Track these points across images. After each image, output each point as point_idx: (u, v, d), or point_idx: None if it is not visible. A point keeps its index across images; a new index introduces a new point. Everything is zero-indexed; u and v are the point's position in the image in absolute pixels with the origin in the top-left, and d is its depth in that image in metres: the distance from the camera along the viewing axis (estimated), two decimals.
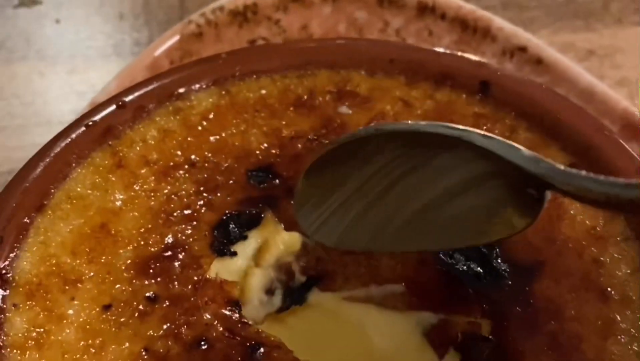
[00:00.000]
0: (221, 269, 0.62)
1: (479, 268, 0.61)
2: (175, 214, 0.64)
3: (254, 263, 0.62)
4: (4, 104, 0.99)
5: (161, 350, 0.57)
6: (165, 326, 0.58)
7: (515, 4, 1.09)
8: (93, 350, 0.57)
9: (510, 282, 0.60)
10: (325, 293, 0.60)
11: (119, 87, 0.85)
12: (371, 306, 0.60)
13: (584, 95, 0.85)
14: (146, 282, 0.60)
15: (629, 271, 0.60)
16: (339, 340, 0.62)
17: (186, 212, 0.65)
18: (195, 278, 0.61)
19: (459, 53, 0.74)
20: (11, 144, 0.95)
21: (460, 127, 0.54)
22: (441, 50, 0.76)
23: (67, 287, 0.60)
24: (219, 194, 0.66)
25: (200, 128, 0.70)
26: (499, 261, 0.61)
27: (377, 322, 0.59)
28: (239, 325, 0.59)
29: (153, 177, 0.66)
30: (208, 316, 0.59)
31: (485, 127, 0.69)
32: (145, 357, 0.56)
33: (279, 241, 0.63)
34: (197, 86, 0.71)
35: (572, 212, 0.63)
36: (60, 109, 0.99)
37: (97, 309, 0.59)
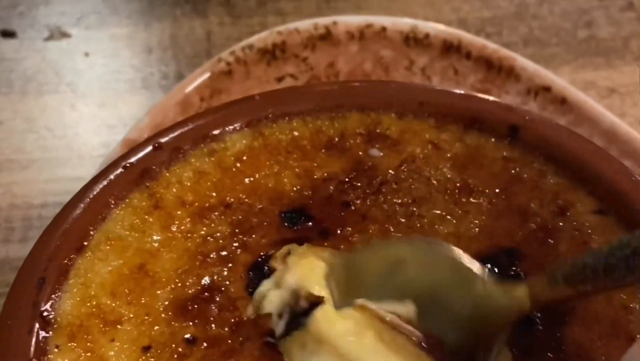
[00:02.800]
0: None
1: None
2: (211, 255, 0.66)
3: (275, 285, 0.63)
4: (36, 136, 1.01)
5: None
6: None
7: (537, 41, 1.10)
8: None
9: (541, 328, 0.61)
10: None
11: (150, 123, 0.86)
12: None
13: (607, 135, 0.86)
14: (184, 324, 0.62)
15: None
16: None
17: (222, 253, 0.66)
18: (232, 320, 0.62)
19: (488, 97, 0.75)
20: (43, 177, 0.96)
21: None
22: (470, 93, 0.77)
23: (107, 328, 0.61)
24: (253, 236, 0.67)
25: (234, 170, 0.71)
26: None
27: None
28: None
29: (189, 219, 0.68)
30: (245, 359, 0.60)
31: (514, 171, 0.70)
32: None
33: (306, 263, 0.63)
34: (231, 127, 0.73)
35: None
36: (91, 142, 1.00)
37: (137, 350, 0.60)
